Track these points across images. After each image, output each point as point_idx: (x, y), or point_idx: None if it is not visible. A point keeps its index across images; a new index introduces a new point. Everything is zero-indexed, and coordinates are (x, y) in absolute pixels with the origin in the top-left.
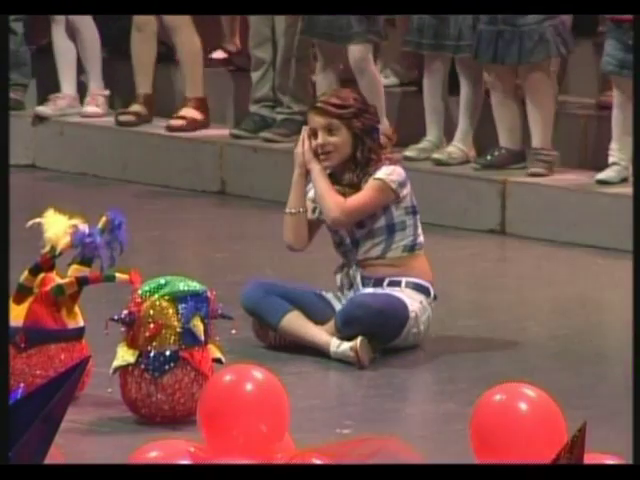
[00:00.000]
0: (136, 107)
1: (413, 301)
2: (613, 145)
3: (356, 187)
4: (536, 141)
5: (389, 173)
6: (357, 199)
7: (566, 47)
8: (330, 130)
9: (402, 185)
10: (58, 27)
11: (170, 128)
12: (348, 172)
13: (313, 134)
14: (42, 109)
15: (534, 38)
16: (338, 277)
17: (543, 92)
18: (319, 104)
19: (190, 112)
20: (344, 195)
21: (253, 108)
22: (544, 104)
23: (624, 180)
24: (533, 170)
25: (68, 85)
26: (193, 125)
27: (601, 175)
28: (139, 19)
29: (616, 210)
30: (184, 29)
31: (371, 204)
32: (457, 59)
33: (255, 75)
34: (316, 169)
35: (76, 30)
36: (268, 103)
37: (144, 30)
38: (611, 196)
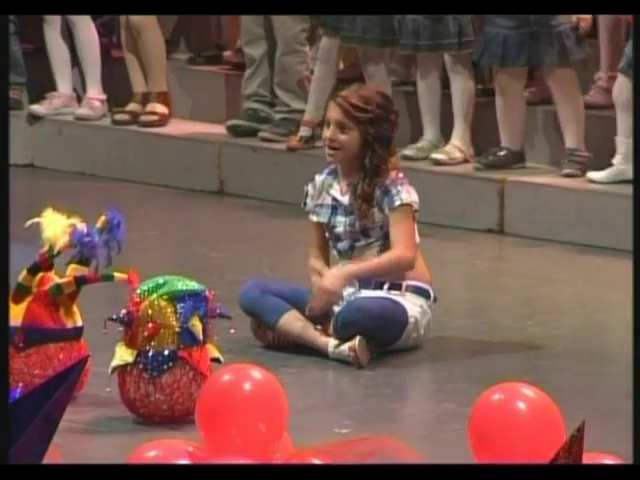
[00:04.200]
0: (133, 106)
1: (413, 306)
2: (618, 145)
3: (369, 198)
4: (570, 142)
5: (409, 194)
6: (402, 236)
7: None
8: (342, 128)
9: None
10: (50, 27)
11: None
12: (358, 179)
13: (327, 124)
14: (37, 108)
15: (572, 38)
16: None
17: (572, 93)
18: (339, 99)
19: (157, 107)
20: (360, 209)
21: (245, 104)
22: (574, 105)
23: (620, 181)
24: (567, 171)
25: (64, 84)
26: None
27: (595, 175)
28: (124, 17)
29: (615, 209)
30: (149, 28)
31: (412, 231)
32: (446, 58)
33: (246, 73)
34: (351, 275)
35: (74, 32)
36: (257, 98)
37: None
38: (609, 195)
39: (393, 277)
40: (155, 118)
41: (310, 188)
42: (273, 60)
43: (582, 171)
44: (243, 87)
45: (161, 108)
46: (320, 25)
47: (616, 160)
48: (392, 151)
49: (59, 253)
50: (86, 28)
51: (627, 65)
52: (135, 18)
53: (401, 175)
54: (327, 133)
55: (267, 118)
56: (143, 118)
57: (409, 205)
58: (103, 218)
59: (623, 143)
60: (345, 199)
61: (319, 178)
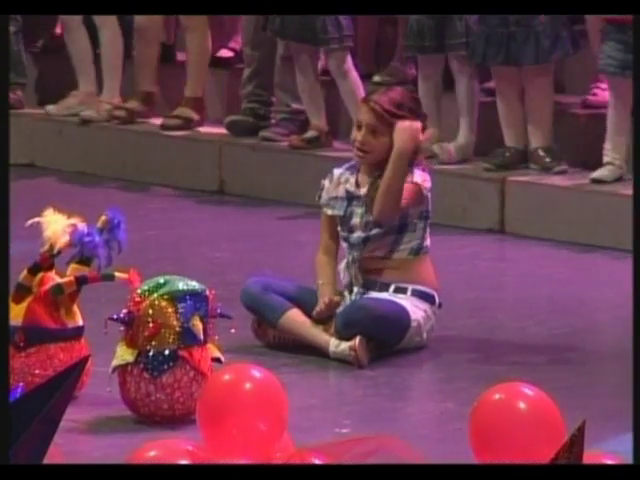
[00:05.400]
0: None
1: (417, 310)
2: (607, 145)
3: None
4: (538, 141)
5: (423, 179)
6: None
7: (577, 45)
8: (374, 132)
9: (429, 192)
10: (73, 28)
11: (164, 127)
12: (378, 176)
13: (357, 126)
14: (51, 108)
15: (551, 37)
16: (342, 274)
17: (546, 93)
18: (372, 103)
19: (186, 112)
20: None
21: (243, 104)
22: (546, 104)
23: (619, 179)
24: (562, 168)
25: (85, 83)
26: (188, 125)
27: (596, 174)
28: (141, 23)
29: (615, 209)
30: (199, 29)
31: (407, 205)
32: (451, 58)
33: (245, 72)
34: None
35: (99, 35)
36: (254, 98)
37: (147, 33)
38: (609, 195)
39: (398, 279)
40: (177, 122)
41: (327, 182)
42: (272, 61)
43: (549, 169)
44: (241, 87)
45: (189, 113)
46: (287, 39)
47: (610, 157)
48: (419, 153)
49: (59, 253)
50: (111, 32)
51: (620, 68)
52: (184, 17)
53: (426, 173)
54: (358, 136)
55: (266, 116)
56: (165, 122)
57: (417, 184)
58: (103, 218)
59: (611, 139)
60: (362, 191)
61: (337, 172)
